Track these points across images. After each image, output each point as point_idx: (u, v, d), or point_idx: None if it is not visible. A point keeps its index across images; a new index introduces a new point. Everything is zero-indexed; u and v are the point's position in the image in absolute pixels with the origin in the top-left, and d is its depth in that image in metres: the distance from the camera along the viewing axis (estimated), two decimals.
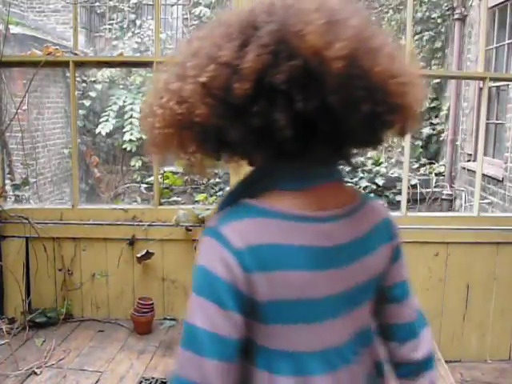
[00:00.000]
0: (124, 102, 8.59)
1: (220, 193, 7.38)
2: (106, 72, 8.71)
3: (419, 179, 7.35)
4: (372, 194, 7.33)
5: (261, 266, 0.74)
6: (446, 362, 2.82)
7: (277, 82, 0.70)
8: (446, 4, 8.01)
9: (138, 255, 3.14)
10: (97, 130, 8.38)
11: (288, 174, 0.81)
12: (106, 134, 8.42)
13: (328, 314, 0.82)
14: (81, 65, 3.34)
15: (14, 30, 6.14)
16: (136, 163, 8.75)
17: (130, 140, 8.50)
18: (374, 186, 7.44)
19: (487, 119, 4.68)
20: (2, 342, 2.87)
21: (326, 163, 0.84)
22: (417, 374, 0.95)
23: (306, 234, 0.77)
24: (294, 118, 0.72)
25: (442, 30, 8.14)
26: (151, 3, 9.35)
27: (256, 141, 0.76)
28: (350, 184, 0.76)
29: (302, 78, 0.70)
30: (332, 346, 0.82)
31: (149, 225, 3.18)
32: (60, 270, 3.20)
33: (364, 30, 0.73)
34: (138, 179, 8.35)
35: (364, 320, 0.89)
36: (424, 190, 7.28)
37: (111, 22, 9.52)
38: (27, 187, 3.77)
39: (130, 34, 9.37)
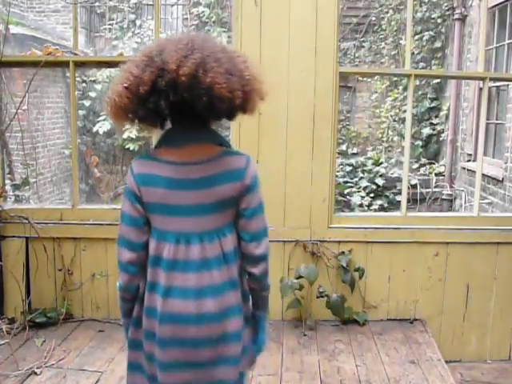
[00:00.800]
0: None
1: None
2: (106, 72, 8.71)
3: (419, 179, 7.35)
4: (372, 194, 7.34)
5: (142, 183, 1.44)
6: (446, 362, 2.82)
7: (161, 86, 1.33)
8: (445, 4, 8.00)
9: None
10: (94, 129, 8.37)
11: (169, 138, 1.49)
12: (106, 133, 8.41)
13: (180, 214, 1.45)
14: (81, 65, 3.34)
15: (13, 30, 6.14)
16: None
17: (130, 138, 8.50)
18: (374, 186, 7.43)
19: (487, 119, 4.67)
20: (2, 342, 2.87)
21: (195, 130, 1.46)
22: (256, 263, 1.52)
23: (168, 170, 1.44)
24: (170, 105, 1.40)
25: (442, 30, 8.13)
26: (151, 3, 9.34)
27: (154, 117, 1.45)
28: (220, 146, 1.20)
29: (172, 84, 1.32)
30: (182, 231, 1.45)
31: None
32: (60, 270, 3.20)
33: (204, 59, 1.33)
34: None
35: (211, 225, 1.47)
36: (424, 190, 7.27)
37: (111, 22, 9.50)
38: (27, 187, 3.76)
39: (130, 34, 9.35)
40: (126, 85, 1.37)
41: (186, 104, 1.37)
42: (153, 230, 1.48)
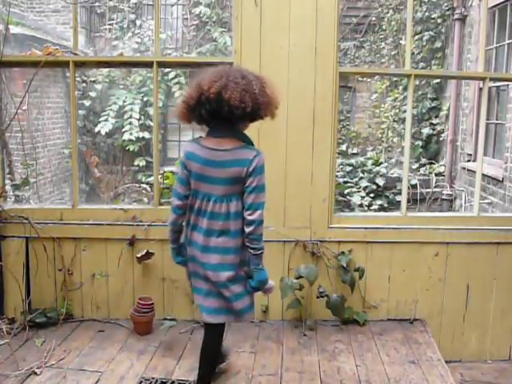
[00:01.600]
0: (124, 101, 8.59)
1: None
2: (107, 71, 8.71)
3: (419, 179, 7.35)
4: (372, 194, 7.35)
5: (188, 158, 2.21)
6: (446, 362, 2.82)
7: (202, 100, 2.12)
8: (445, 4, 7.99)
9: (138, 255, 3.14)
10: (96, 129, 8.39)
11: (209, 131, 2.23)
12: (106, 133, 8.42)
13: (206, 182, 2.18)
14: (81, 65, 3.33)
15: (14, 30, 6.14)
16: (140, 163, 8.77)
17: (130, 140, 8.53)
18: (374, 186, 7.43)
19: (487, 119, 4.67)
20: (2, 342, 2.87)
21: (225, 129, 2.18)
22: (248, 225, 2.15)
23: (205, 152, 2.17)
24: (207, 112, 2.15)
25: (442, 30, 8.13)
26: (151, 3, 9.33)
27: (200, 119, 2.23)
28: (243, 142, 2.23)
29: (206, 99, 2.10)
30: (207, 192, 2.19)
31: (149, 225, 3.18)
32: (60, 270, 3.20)
33: (227, 83, 2.06)
34: (143, 179, 8.36)
35: (224, 192, 2.17)
36: (424, 190, 7.27)
37: (111, 22, 9.49)
38: (27, 187, 3.75)
39: (130, 34, 9.34)
40: (184, 100, 2.20)
41: (217, 111, 2.11)
42: (191, 189, 2.23)
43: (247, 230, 2.15)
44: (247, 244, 2.18)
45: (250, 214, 2.14)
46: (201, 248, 2.22)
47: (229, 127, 2.17)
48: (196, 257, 2.25)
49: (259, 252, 2.19)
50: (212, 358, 2.39)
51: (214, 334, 2.35)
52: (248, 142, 2.20)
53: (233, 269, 2.21)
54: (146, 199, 6.26)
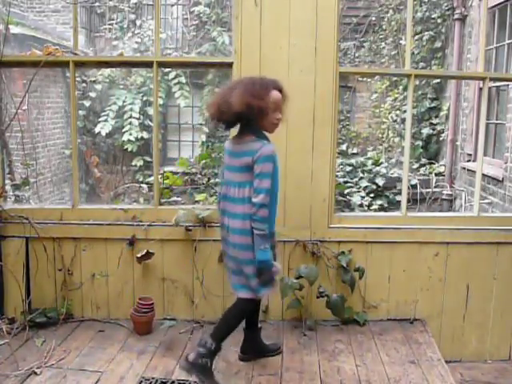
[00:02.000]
0: (124, 102, 8.59)
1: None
2: (107, 71, 8.72)
3: (419, 179, 7.35)
4: (372, 194, 7.35)
5: (225, 151, 2.62)
6: (446, 362, 2.82)
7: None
8: (446, 4, 8.00)
9: (138, 255, 3.14)
10: (96, 130, 8.40)
11: (236, 132, 2.58)
12: (106, 134, 8.43)
13: (230, 170, 2.53)
14: (81, 65, 3.33)
15: (14, 30, 6.14)
16: (137, 163, 8.77)
17: (129, 140, 8.54)
18: (374, 186, 7.43)
19: (487, 119, 4.68)
20: (2, 342, 2.87)
21: (243, 128, 2.52)
22: (252, 206, 2.38)
23: (230, 145, 2.58)
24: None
25: (442, 30, 8.13)
26: (151, 3, 9.34)
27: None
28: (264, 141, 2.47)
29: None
30: (230, 180, 2.53)
31: (149, 225, 3.18)
32: (60, 270, 3.20)
33: (220, 101, 2.47)
34: (141, 179, 8.38)
35: (239, 179, 2.46)
36: (424, 190, 7.27)
37: (111, 22, 9.50)
38: (27, 187, 3.76)
39: (130, 34, 9.35)
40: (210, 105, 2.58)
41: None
42: (224, 179, 2.60)
43: (251, 211, 2.39)
44: (252, 224, 2.40)
45: (254, 197, 2.38)
46: (227, 229, 2.50)
47: (246, 126, 2.50)
48: (225, 237, 2.54)
49: (261, 233, 2.38)
50: (227, 323, 2.56)
51: (238, 305, 2.57)
52: (262, 137, 2.47)
53: (251, 248, 2.43)
54: (142, 199, 6.27)
